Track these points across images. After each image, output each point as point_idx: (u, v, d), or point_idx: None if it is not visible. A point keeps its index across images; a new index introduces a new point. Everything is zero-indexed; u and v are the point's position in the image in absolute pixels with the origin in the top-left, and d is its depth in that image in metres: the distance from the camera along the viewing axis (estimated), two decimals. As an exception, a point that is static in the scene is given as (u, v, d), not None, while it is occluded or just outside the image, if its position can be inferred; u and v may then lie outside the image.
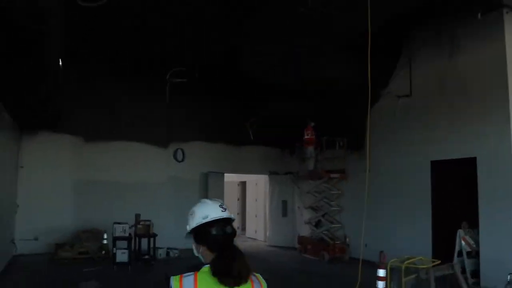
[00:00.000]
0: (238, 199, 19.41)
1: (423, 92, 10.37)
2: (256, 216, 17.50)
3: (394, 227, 11.08)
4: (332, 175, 12.23)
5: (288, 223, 15.27)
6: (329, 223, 12.32)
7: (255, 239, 17.32)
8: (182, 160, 14.11)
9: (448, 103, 9.86)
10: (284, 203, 15.47)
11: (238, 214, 19.20)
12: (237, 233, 16.63)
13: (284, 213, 15.42)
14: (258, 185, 17.56)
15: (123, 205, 12.69)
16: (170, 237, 12.52)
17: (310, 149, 12.75)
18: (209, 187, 14.27)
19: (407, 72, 10.84)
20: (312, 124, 12.63)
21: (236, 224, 15.26)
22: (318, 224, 12.89)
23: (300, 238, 13.21)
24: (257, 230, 17.40)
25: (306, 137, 12.81)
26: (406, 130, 10.92)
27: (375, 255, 11.95)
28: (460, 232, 9.20)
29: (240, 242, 16.51)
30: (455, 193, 9.90)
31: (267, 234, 15.73)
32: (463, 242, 9.18)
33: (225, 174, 14.93)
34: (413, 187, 10.65)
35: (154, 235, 10.59)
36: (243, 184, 19.52)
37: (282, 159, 16.11)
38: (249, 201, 18.33)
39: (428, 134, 10.29)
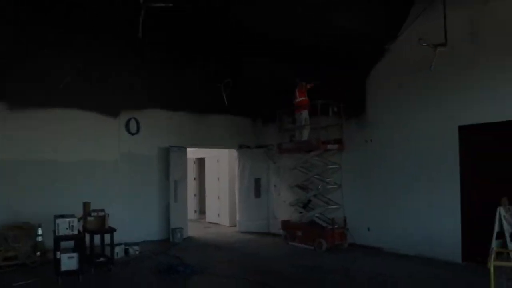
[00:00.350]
0: (194, 179, 16.84)
1: (451, 43, 8.36)
2: (218, 198, 15.11)
3: (406, 207, 9.22)
4: (330, 147, 10.09)
5: (262, 205, 13.06)
6: (324, 204, 10.22)
7: (217, 223, 14.98)
8: (137, 132, 11.31)
9: (485, 56, 7.98)
10: (258, 181, 13.20)
11: (195, 195, 16.69)
12: (195, 218, 12.36)
13: (257, 194, 13.18)
14: (220, 161, 15.14)
15: (63, 192, 9.86)
16: (127, 230, 9.86)
17: (305, 114, 10.47)
18: (171, 166, 11.63)
19: (426, 19, 8.81)
20: (304, 84, 10.40)
21: (193, 207, 12.67)
22: (306, 206, 10.77)
23: (285, 223, 11.03)
24: (220, 214, 15.04)
25: (298, 99, 10.51)
26: (423, 90, 8.99)
27: (379, 240, 10.17)
28: (501, 210, 7.46)
29: (202, 227, 14.11)
30: (491, 163, 8.13)
31: (238, 218, 13.43)
32: (504, 222, 7.46)
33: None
34: (434, 158, 8.78)
35: (112, 230, 7.88)
36: (200, 161, 16.98)
37: (254, 130, 13.75)
38: (209, 180, 15.86)
39: (455, 94, 8.41)
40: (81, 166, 10.35)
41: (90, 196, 8.93)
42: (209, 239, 11.85)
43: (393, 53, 9.62)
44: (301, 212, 10.90)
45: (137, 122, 11.31)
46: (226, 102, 10.50)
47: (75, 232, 7.17)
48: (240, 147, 13.47)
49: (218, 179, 15.19)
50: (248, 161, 13.34)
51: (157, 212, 11.57)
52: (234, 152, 13.96)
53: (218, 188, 15.14)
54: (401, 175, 9.35)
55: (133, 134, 11.25)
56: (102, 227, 7.92)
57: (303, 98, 10.57)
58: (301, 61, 10.72)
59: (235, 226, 13.81)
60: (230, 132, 13.22)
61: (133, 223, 10.78)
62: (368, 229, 10.00)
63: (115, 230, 7.89)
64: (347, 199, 10.31)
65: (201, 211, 16.65)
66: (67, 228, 7.06)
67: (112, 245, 7.92)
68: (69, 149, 10.22)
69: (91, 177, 10.45)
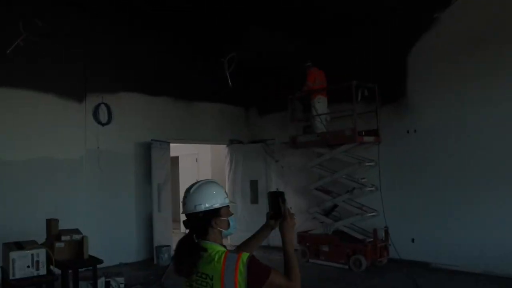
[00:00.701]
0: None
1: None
2: (199, 204, 12.60)
3: (465, 214, 7.35)
4: (366, 139, 7.96)
5: (260, 213, 10.64)
6: (358, 211, 8.08)
7: (198, 235, 12.47)
8: (108, 122, 8.63)
9: None
10: (254, 184, 10.87)
11: (166, 201, 14.02)
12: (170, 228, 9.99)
13: (254, 199, 10.84)
14: (200, 160, 12.68)
15: (12, 203, 7.07)
16: (96, 250, 7.20)
17: (323, 100, 8.45)
18: (153, 165, 9.06)
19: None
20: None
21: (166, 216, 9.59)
22: (329, 213, 8.62)
23: (304, 235, 8.77)
24: (201, 223, 12.53)
25: (317, 82, 8.47)
26: (486, 69, 7.14)
27: (427, 253, 8.23)
28: None
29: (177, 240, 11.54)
30: None
31: (229, 229, 11.02)
32: None
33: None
34: (496, 154, 6.97)
35: (95, 262, 5.28)
36: (173, 160, 14.33)
37: (246, 122, 11.44)
38: (184, 183, 13.27)
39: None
40: (35, 166, 7.55)
41: (48, 207, 6.55)
42: (202, 258, 9.36)
43: (445, 24, 7.68)
44: (322, 222, 8.71)
45: (109, 109, 8.63)
46: (230, 83, 8.13)
47: (43, 272, 4.51)
48: (231, 142, 11.09)
49: (197, 181, 12.67)
50: (241, 160, 10.98)
51: (135, 225, 8.97)
52: (219, 149, 11.63)
53: (198, 192, 12.64)
54: (456, 174, 7.46)
55: (103, 124, 8.56)
56: (78, 256, 5.28)
57: (322, 81, 8.56)
58: (320, 35, 8.63)
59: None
60: (219, 123, 10.84)
61: (105, 241, 8.08)
62: (413, 240, 8.02)
63: (101, 261, 5.29)
64: (380, 204, 8.23)
65: (174, 219, 14.00)
66: (28, 266, 4.40)
67: (95, 284, 5.31)
68: (18, 144, 7.41)
69: (49, 181, 7.68)
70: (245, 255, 2.00)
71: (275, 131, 10.52)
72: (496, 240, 6.94)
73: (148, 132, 9.22)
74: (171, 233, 9.65)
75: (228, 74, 8.12)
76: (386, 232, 7.94)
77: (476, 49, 7.24)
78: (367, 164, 8.01)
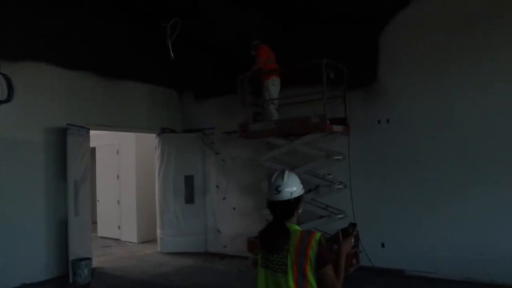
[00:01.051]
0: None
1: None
2: (119, 203, 10.80)
3: (437, 213, 6.57)
4: (335, 128, 6.78)
5: (196, 214, 9.24)
6: (326, 212, 6.91)
7: (118, 239, 10.69)
8: (8, 100, 6.56)
9: None
10: (189, 180, 9.33)
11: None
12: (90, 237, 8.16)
13: (190, 198, 9.31)
14: (122, 152, 10.84)
15: None
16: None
17: (277, 82, 7.22)
18: (69, 157, 7.16)
19: None
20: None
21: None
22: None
23: (255, 241, 7.41)
24: (122, 226, 10.75)
25: (268, 61, 7.19)
26: (469, 51, 6.38)
27: (399, 259, 7.28)
28: None
29: (99, 247, 9.67)
30: None
31: (159, 233, 9.38)
32: None
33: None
34: (483, 147, 6.26)
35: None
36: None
37: (180, 107, 9.84)
38: (102, 179, 11.31)
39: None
40: None
41: None
42: (131, 272, 7.63)
43: (423, 1, 6.81)
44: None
45: (9, 82, 6.56)
46: (172, 55, 6.55)
47: None
48: (162, 130, 9.42)
49: (118, 177, 10.84)
50: (174, 152, 9.37)
51: (44, 233, 7.02)
52: (145, 139, 9.98)
53: (118, 189, 10.82)
54: (434, 170, 6.63)
55: (1, 102, 6.50)
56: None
57: (274, 61, 7.33)
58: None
59: (147, 242, 10.12)
60: (149, 109, 9.15)
61: (1, 257, 6.18)
62: (383, 245, 7.07)
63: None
64: (346, 204, 7.16)
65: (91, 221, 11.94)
66: None
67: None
68: None
69: None
70: (318, 234, 2.27)
71: (214, 119, 9.16)
72: (479, 244, 6.20)
73: (62, 114, 7.31)
74: (91, 243, 7.80)
75: (170, 43, 6.51)
76: (357, 236, 6.88)
77: (459, 29, 6.44)
78: (335, 157, 6.86)
